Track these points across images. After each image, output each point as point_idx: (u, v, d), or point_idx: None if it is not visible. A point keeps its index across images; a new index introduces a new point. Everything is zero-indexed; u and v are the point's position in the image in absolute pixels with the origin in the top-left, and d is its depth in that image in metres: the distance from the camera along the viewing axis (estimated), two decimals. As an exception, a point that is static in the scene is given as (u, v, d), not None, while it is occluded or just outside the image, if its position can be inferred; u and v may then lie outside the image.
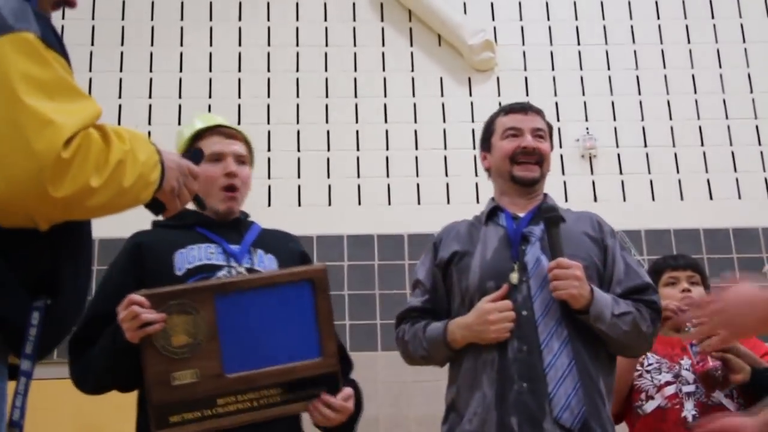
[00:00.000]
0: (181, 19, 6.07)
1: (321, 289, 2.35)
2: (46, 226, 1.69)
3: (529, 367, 2.40)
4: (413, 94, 6.04)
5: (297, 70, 6.04)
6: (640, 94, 6.15)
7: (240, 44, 6.06)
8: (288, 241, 2.73)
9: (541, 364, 2.40)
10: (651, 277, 3.52)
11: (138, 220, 2.42)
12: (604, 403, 2.45)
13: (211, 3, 6.12)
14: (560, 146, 5.97)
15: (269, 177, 5.80)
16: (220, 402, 2.24)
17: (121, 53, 5.95)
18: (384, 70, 6.09)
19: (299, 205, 5.78)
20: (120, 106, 5.82)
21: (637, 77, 6.18)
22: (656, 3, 6.36)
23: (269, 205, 5.76)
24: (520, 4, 6.33)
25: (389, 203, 5.74)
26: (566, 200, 5.82)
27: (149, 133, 5.75)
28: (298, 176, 5.82)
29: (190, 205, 2.27)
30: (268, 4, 6.17)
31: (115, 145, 1.73)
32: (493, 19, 6.26)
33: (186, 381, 2.21)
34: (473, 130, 5.79)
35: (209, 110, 5.87)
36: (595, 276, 2.53)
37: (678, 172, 5.99)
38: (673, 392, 3.21)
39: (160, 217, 2.04)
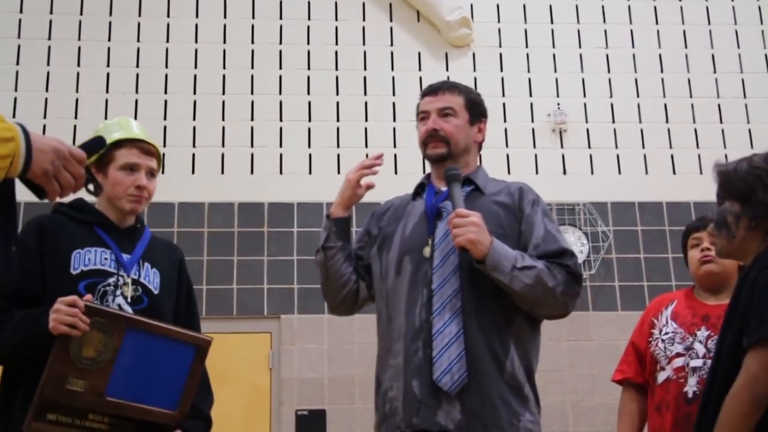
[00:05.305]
0: (168, -10, 6.21)
1: (201, 356, 2.66)
2: None
3: (427, 334, 2.57)
4: (392, 68, 6.23)
5: (280, 43, 6.20)
6: (609, 72, 6.38)
7: (225, 17, 6.20)
8: (171, 252, 2.95)
9: (431, 330, 2.56)
10: (681, 242, 3.46)
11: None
12: (505, 369, 2.56)
13: (197, -24, 6.25)
14: (532, 120, 6.19)
15: (252, 146, 5.97)
16: (89, 416, 2.48)
17: (110, 23, 6.08)
18: (364, 44, 6.26)
19: (281, 173, 5.95)
20: (108, 75, 5.96)
21: (607, 56, 6.41)
22: (627, -16, 6.58)
23: (251, 172, 5.93)
24: (496, -18, 6.51)
25: (367, 173, 5.92)
26: (537, 172, 6.06)
27: (136, 102, 5.93)
28: (280, 145, 6.00)
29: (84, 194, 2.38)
30: (253, -22, 6.30)
31: None
32: (471, -3, 6.43)
33: (75, 388, 2.42)
34: (449, 104, 5.96)
35: (194, 81, 6.03)
36: (508, 244, 2.61)
37: (644, 147, 6.23)
38: (681, 365, 3.18)
39: (46, 200, 2.04)
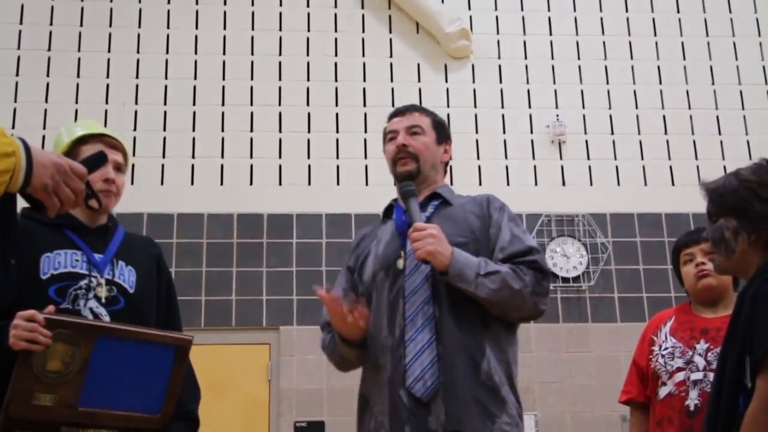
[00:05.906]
0: (168, 2, 6.22)
1: (182, 357, 2.59)
2: None
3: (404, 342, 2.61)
4: (391, 80, 6.24)
5: (280, 54, 6.21)
6: (608, 83, 6.38)
7: (225, 28, 6.21)
8: (148, 247, 2.89)
9: (404, 338, 2.59)
10: (671, 259, 3.51)
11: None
12: (481, 370, 2.57)
13: (197, -13, 6.27)
14: (531, 132, 6.20)
15: (251, 157, 5.98)
16: (63, 429, 2.41)
17: (109, 34, 6.09)
18: (363, 55, 6.27)
19: (280, 184, 5.95)
20: (108, 86, 5.97)
21: (606, 67, 6.42)
22: (625, -4, 6.61)
23: (251, 183, 5.93)
24: (495, -6, 6.54)
25: (366, 184, 5.94)
26: (536, 184, 6.06)
27: (135, 113, 5.93)
28: (280, 156, 6.00)
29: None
30: (253, -11, 6.32)
31: None
32: (470, 9, 6.46)
33: (44, 403, 2.34)
34: (448, 116, 6.00)
35: (194, 92, 6.04)
36: (483, 251, 2.66)
37: (642, 158, 6.23)
38: (682, 379, 3.18)
39: (46, 215, 2.02)
